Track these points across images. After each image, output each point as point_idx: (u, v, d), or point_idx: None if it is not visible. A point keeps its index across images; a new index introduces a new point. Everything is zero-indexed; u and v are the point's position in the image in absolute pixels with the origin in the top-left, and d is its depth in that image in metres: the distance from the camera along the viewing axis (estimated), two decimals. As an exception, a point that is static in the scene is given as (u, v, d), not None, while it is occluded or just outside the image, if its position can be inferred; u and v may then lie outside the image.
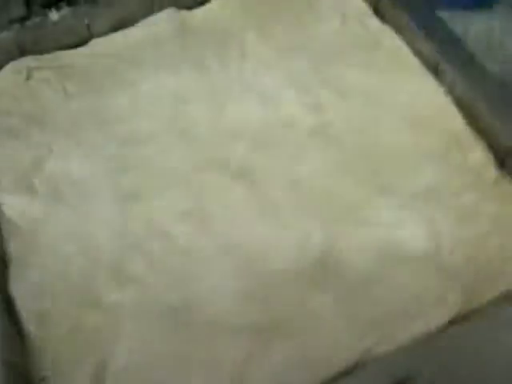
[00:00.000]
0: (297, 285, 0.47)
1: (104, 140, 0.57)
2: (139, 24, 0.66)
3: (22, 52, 0.64)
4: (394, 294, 0.46)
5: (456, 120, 0.56)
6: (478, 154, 0.54)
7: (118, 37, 0.65)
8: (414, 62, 0.60)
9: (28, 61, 0.64)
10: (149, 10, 0.65)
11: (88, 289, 0.48)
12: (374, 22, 0.64)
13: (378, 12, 0.66)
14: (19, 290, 0.48)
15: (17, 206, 0.53)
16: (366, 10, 0.66)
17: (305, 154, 0.55)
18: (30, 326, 0.47)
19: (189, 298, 0.47)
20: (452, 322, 0.45)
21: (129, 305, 0.47)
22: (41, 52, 0.64)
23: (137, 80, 0.61)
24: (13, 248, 0.51)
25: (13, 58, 0.64)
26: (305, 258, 0.49)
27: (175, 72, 0.61)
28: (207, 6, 0.68)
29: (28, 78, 0.62)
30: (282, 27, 0.65)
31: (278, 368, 0.43)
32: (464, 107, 0.56)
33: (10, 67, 0.63)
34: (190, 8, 0.67)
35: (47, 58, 0.64)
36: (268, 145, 0.55)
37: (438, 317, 0.45)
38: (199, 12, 0.67)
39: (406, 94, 0.58)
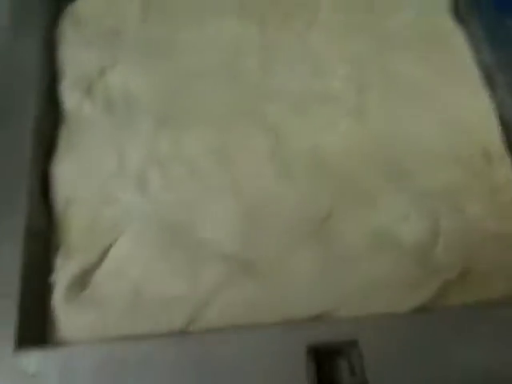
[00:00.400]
0: (288, 239, 0.51)
1: (163, 66, 0.61)
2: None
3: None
4: (374, 273, 0.49)
5: (493, 133, 0.56)
6: (503, 171, 0.54)
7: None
8: (473, 69, 0.60)
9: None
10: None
11: (110, 188, 0.54)
12: (448, 22, 0.64)
13: (455, 12, 0.66)
14: (58, 174, 0.55)
15: (74, 102, 0.59)
16: (444, 7, 0.66)
17: (335, 128, 0.57)
18: (59, 206, 0.53)
19: (190, 219, 0.52)
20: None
21: (138, 210, 0.52)
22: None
23: (207, 21, 0.64)
24: (63, 134, 0.57)
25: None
26: (304, 219, 0.52)
27: (241, 23, 0.64)
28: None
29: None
30: (357, 7, 0.66)
31: (245, 299, 0.47)
32: (505, 124, 0.56)
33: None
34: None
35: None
36: (304, 111, 0.58)
37: (407, 300, 0.47)
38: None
39: (452, 97, 0.58)
